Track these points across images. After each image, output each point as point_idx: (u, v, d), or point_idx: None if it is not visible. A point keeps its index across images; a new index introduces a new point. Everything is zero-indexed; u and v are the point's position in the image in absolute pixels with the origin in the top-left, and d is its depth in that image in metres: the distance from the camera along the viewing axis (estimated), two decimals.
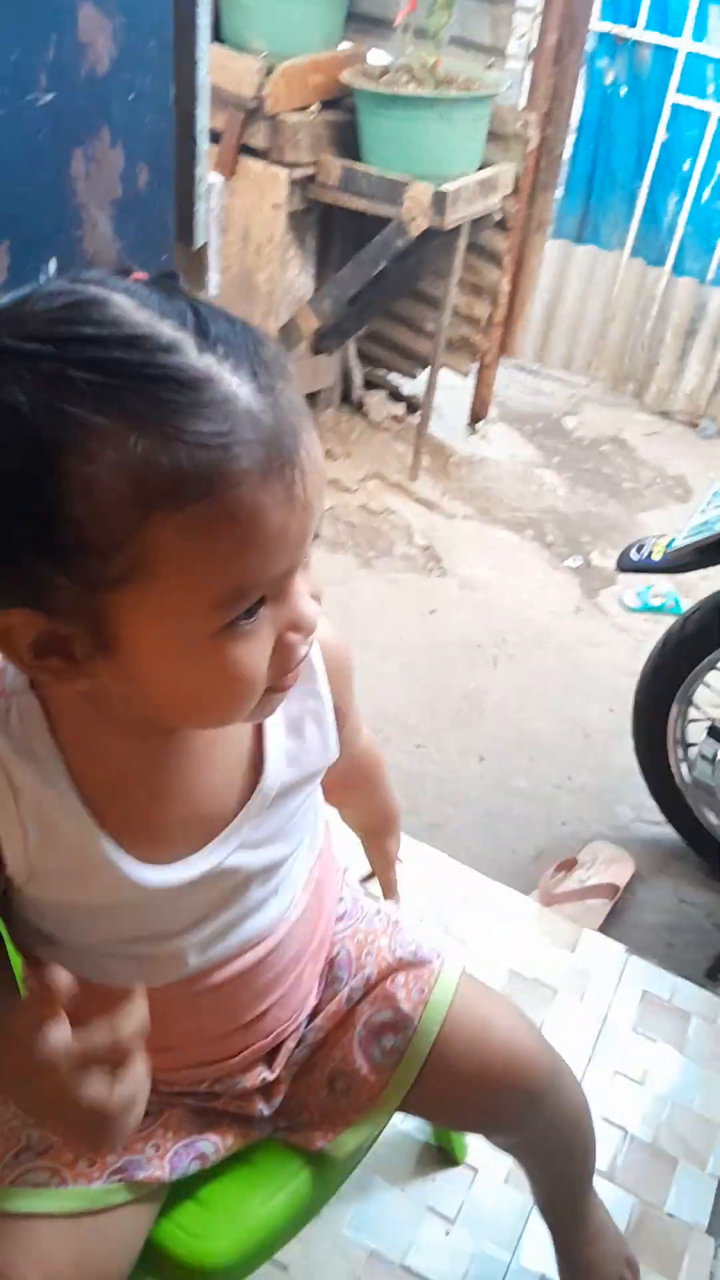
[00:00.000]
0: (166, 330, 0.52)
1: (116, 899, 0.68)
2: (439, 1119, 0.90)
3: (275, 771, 0.73)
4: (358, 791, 0.94)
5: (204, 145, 1.24)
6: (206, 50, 1.18)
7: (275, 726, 0.74)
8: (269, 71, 2.23)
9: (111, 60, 1.02)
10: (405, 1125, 1.21)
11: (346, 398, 2.86)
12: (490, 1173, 1.20)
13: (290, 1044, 0.84)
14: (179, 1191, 0.83)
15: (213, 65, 2.24)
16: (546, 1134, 0.93)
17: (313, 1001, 0.86)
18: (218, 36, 2.31)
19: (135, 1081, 0.61)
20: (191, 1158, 0.80)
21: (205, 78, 1.18)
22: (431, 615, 2.30)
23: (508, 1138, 0.96)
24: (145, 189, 1.15)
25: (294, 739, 0.75)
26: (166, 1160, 0.79)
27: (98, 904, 0.69)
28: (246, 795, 0.72)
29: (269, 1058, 0.83)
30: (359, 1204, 1.15)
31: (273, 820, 0.73)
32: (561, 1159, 0.98)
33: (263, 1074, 0.83)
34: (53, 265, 1.06)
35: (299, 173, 2.35)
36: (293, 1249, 1.11)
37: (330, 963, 0.87)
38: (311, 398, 2.78)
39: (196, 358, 0.52)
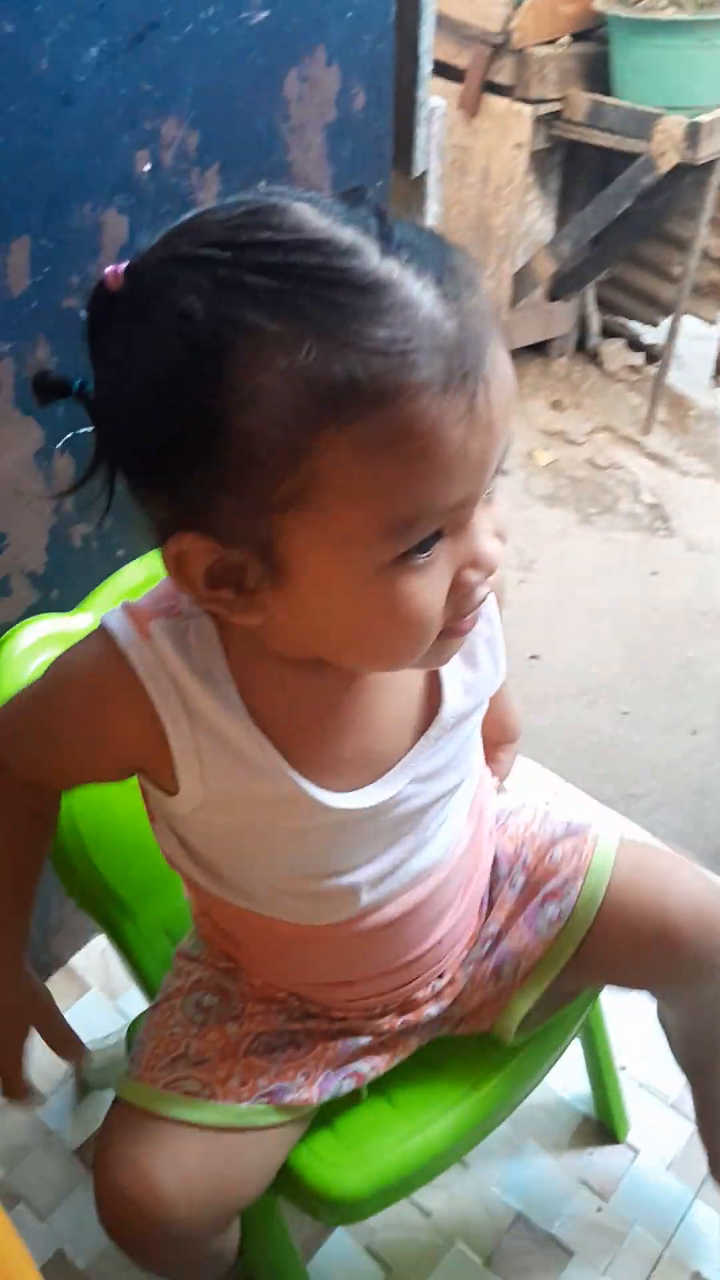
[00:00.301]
0: (347, 235, 0.50)
1: (295, 824, 0.67)
2: (613, 977, 0.86)
3: (454, 702, 0.71)
4: (492, 728, 0.91)
5: (427, 67, 1.19)
6: None
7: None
8: (517, 4, 2.15)
9: None
10: (566, 1094, 1.17)
11: (582, 346, 2.74)
12: (653, 1155, 1.14)
13: (458, 951, 0.83)
14: (320, 1119, 0.83)
15: (459, 0, 2.21)
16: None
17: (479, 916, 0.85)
18: None
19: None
20: (344, 1077, 0.81)
21: None
22: (653, 577, 2.18)
23: (680, 994, 0.90)
24: (361, 112, 1.12)
25: (470, 668, 0.72)
26: (316, 1085, 0.79)
27: (273, 830, 0.68)
28: (423, 727, 0.70)
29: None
30: (511, 1166, 1.12)
31: (446, 750, 0.71)
32: None
33: (433, 984, 0.82)
34: (263, 189, 1.06)
35: (544, 109, 2.25)
36: (438, 1197, 1.10)
37: (493, 863, 0.86)
38: (545, 346, 2.68)
39: (378, 262, 0.49)
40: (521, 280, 2.46)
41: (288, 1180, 0.80)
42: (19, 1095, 0.78)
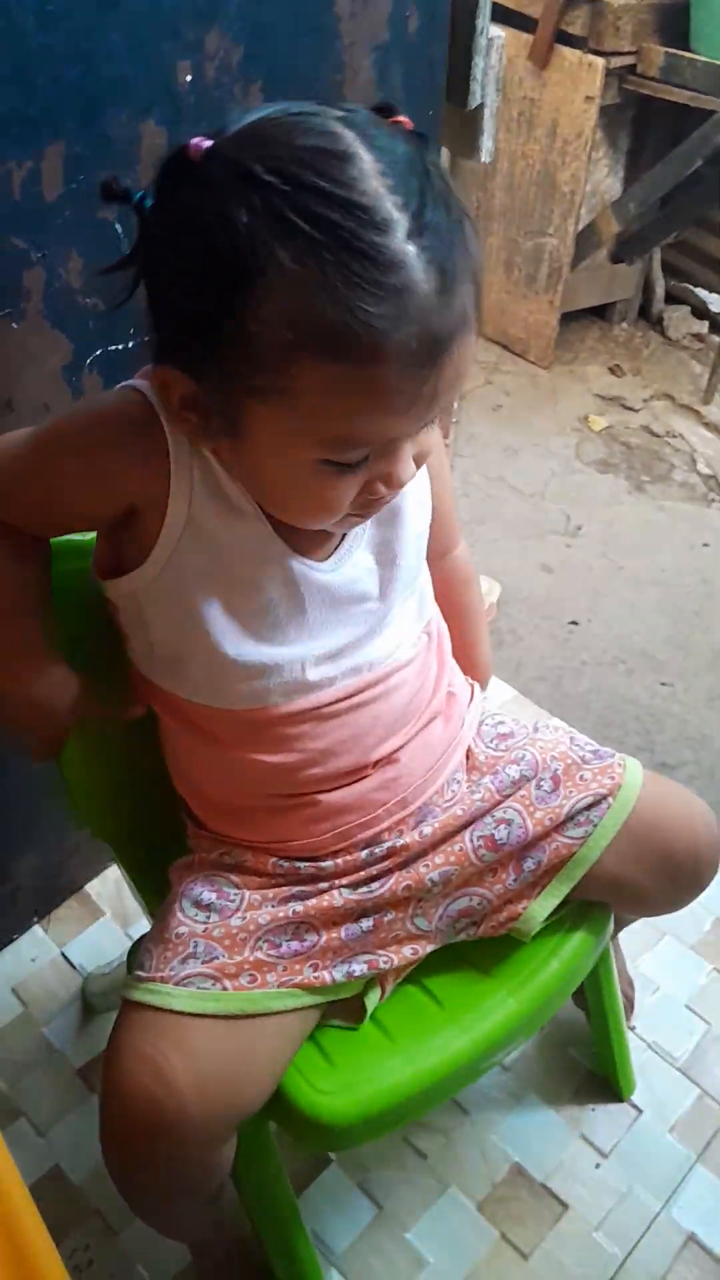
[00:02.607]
0: (388, 207, 0.58)
1: (259, 572, 0.75)
2: (625, 890, 0.90)
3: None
4: (447, 606, 0.94)
5: None
6: None
7: None
8: None
9: None
10: (571, 1049, 1.15)
11: (645, 312, 2.68)
12: (656, 1116, 1.12)
13: (440, 811, 0.86)
14: (313, 1042, 0.83)
15: None
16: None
17: (461, 779, 0.88)
18: None
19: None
20: (361, 963, 0.82)
21: None
22: (704, 549, 2.13)
23: (674, 906, 0.96)
24: (415, 36, 1.09)
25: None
26: (328, 971, 0.80)
27: (238, 581, 0.75)
28: None
29: (418, 823, 0.85)
30: (511, 1115, 1.11)
31: (393, 543, 0.81)
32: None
33: (416, 830, 0.84)
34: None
35: (617, 62, 2.19)
36: (435, 1140, 1.09)
37: (516, 764, 0.89)
38: (606, 310, 2.63)
39: (400, 242, 0.58)
40: (584, 240, 2.41)
41: (278, 1103, 0.80)
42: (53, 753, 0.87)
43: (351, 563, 0.79)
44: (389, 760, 0.84)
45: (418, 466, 0.72)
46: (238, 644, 0.76)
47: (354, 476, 0.67)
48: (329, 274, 0.57)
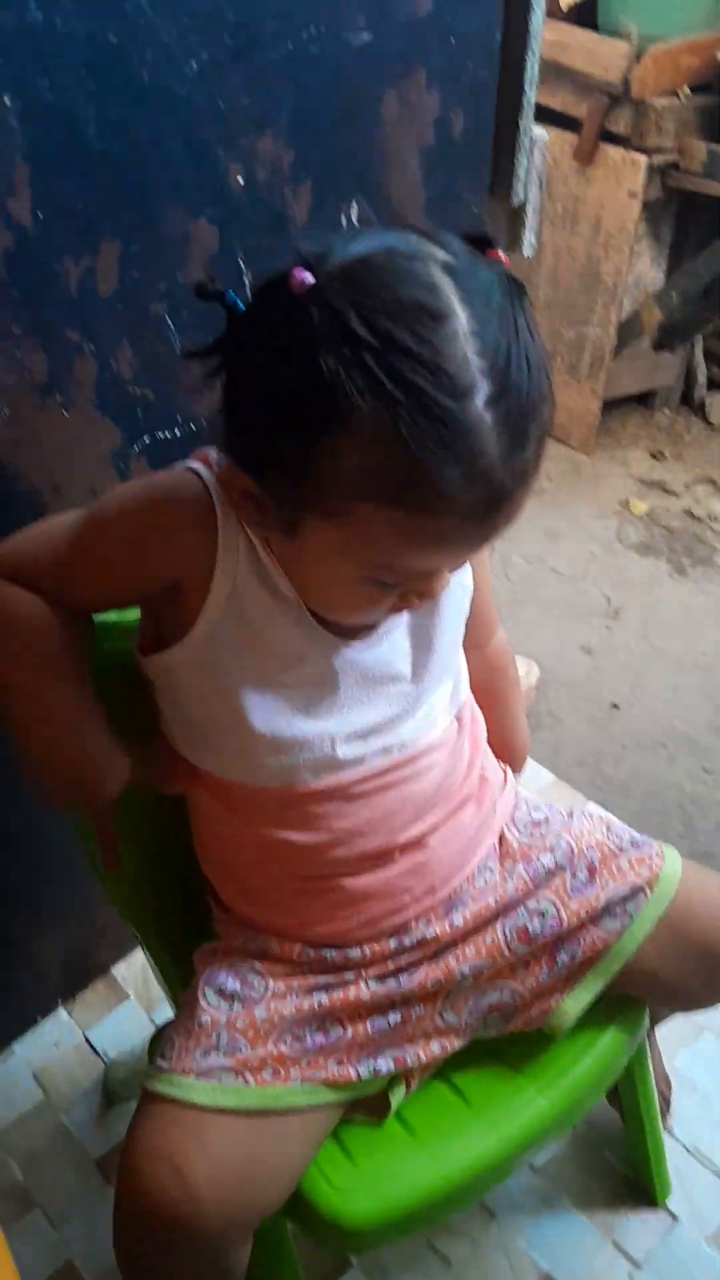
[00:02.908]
0: (472, 372, 0.60)
1: (295, 651, 0.76)
2: (662, 985, 0.87)
3: None
4: (484, 694, 0.94)
5: (531, 96, 1.20)
6: None
7: None
8: (639, 55, 2.15)
9: (434, 1, 1.01)
10: (605, 1151, 1.12)
11: (687, 399, 2.70)
12: (693, 1224, 1.08)
13: (471, 900, 0.84)
14: (335, 1141, 0.81)
15: (579, 50, 2.22)
16: None
17: (493, 867, 0.87)
18: (591, 23, 2.27)
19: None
20: (387, 1058, 0.81)
21: (539, 24, 1.14)
22: None
23: (714, 1002, 0.93)
24: (460, 138, 1.13)
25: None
26: (352, 1066, 0.79)
27: (274, 658, 0.76)
28: None
29: (448, 911, 0.84)
30: (539, 1219, 1.07)
31: (430, 633, 0.82)
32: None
33: (450, 920, 0.83)
34: (354, 210, 1.07)
35: (660, 159, 2.24)
36: (460, 1245, 1.06)
37: (551, 852, 0.88)
38: (649, 396, 2.65)
39: (479, 410, 0.60)
40: (627, 329, 2.44)
41: (296, 1203, 0.78)
42: (114, 866, 0.87)
43: (388, 643, 0.80)
44: (417, 844, 0.83)
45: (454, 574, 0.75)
46: (268, 719, 0.76)
47: (390, 590, 0.70)
48: (404, 432, 0.59)
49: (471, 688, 0.91)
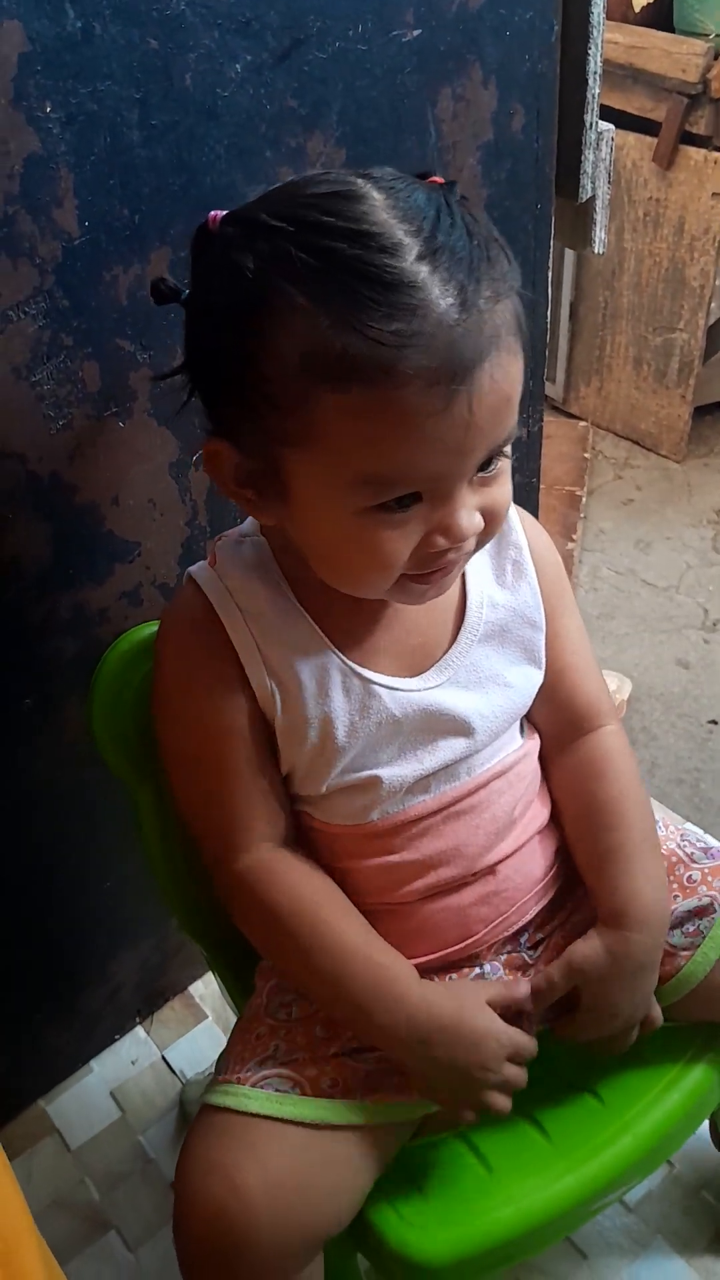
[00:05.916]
0: (396, 232, 0.57)
1: (347, 720, 0.73)
2: None
3: (480, 610, 0.78)
4: (576, 774, 0.83)
5: (595, 89, 1.16)
6: None
7: (481, 572, 0.79)
8: (716, 55, 2.10)
9: None
10: (706, 1193, 1.04)
11: None
12: None
13: (525, 902, 0.81)
14: (406, 1174, 0.77)
15: (655, 52, 2.17)
16: None
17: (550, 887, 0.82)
18: (666, 25, 2.22)
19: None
20: None
21: (599, 14, 1.11)
22: None
23: None
24: (521, 133, 1.10)
25: (500, 587, 0.79)
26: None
27: (326, 716, 0.72)
28: (456, 634, 0.78)
29: (516, 939, 0.81)
30: (637, 1262, 1.00)
31: (483, 666, 0.77)
32: None
33: (522, 952, 0.80)
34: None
35: None
36: None
37: None
38: None
39: (410, 263, 0.57)
40: (716, 333, 2.36)
41: (365, 1235, 0.74)
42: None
43: (446, 688, 0.76)
44: (489, 871, 0.79)
45: (491, 524, 0.67)
46: (340, 775, 0.75)
47: (405, 528, 0.63)
48: (335, 300, 0.57)
49: (553, 795, 0.84)
